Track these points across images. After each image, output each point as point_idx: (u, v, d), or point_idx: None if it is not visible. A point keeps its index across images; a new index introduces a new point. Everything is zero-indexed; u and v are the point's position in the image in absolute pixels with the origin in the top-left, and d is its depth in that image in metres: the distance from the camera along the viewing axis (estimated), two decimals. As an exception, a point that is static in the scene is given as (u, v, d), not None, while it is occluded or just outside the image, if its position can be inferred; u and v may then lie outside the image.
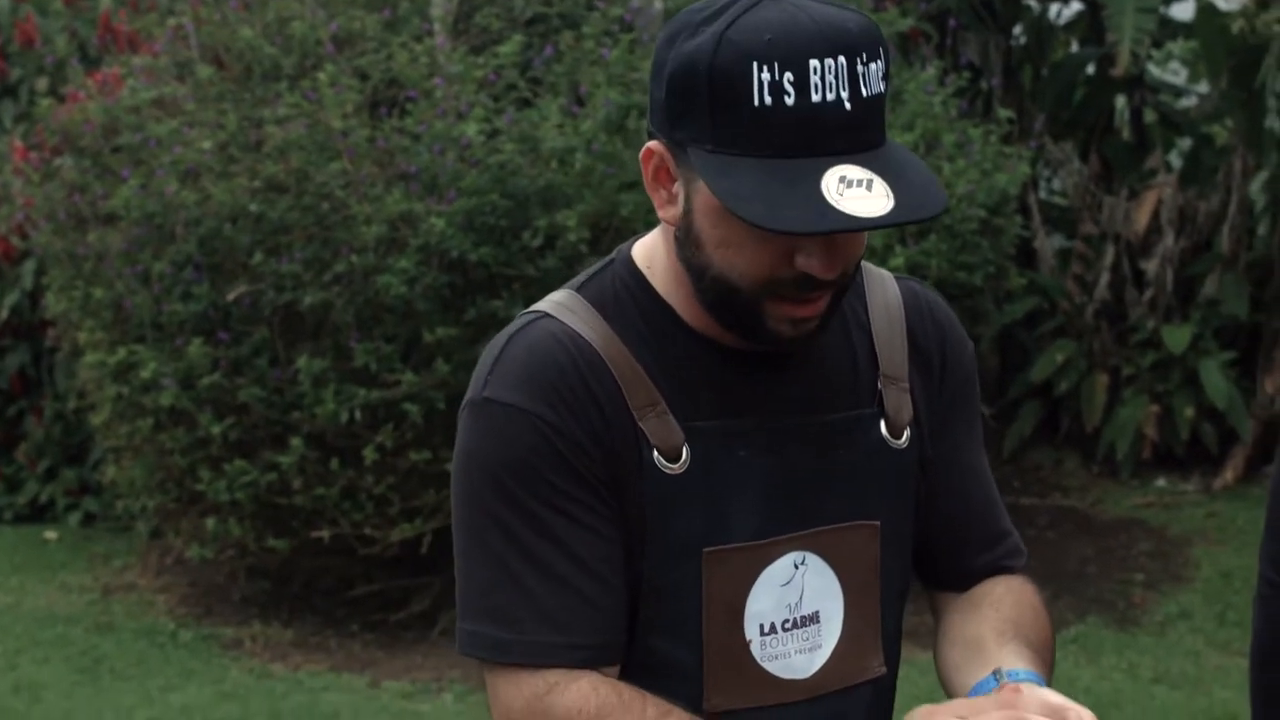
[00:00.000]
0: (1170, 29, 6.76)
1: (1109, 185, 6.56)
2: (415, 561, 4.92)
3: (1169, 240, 6.30)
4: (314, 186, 4.89)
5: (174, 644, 5.15)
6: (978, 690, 1.32)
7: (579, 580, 1.30)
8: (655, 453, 1.31)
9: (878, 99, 1.26)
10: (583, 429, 1.31)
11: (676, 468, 1.32)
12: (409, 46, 5.16)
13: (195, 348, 4.84)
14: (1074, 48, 7.10)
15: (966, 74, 5.93)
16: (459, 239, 4.69)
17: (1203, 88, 7.01)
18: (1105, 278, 6.32)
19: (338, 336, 4.83)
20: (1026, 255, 6.43)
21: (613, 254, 1.43)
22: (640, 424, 1.32)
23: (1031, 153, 6.02)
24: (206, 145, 5.05)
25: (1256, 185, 6.47)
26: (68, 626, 5.33)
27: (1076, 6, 6.98)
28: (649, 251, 1.40)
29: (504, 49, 5.06)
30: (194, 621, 5.32)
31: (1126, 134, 6.95)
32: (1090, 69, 6.82)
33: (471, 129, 4.83)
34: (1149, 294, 6.31)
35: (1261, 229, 6.52)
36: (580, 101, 5.05)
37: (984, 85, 6.44)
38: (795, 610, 1.35)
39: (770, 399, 1.36)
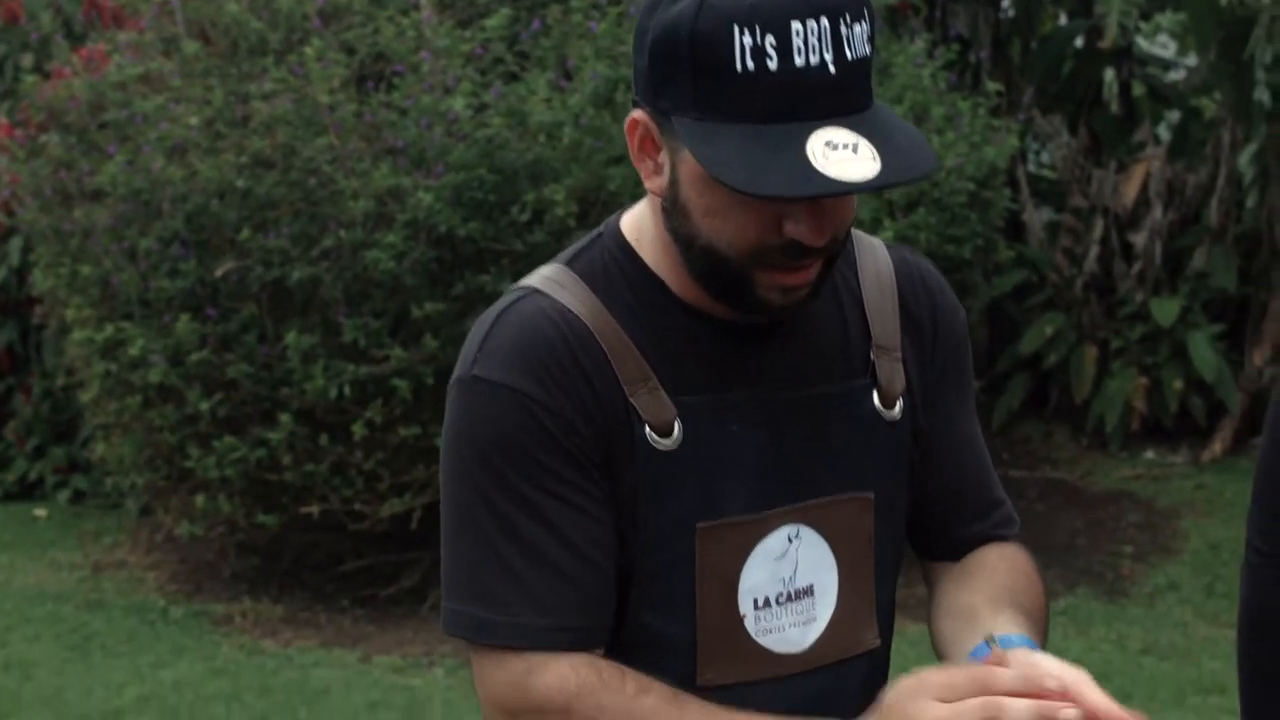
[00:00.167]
0: (1158, 1, 6.75)
1: (1097, 158, 6.56)
2: (405, 537, 4.92)
3: (1157, 213, 6.30)
4: (301, 162, 4.88)
5: (164, 621, 5.15)
6: (973, 658, 1.32)
7: (566, 561, 1.29)
8: (647, 428, 1.30)
9: (863, 62, 1.25)
10: (573, 407, 1.29)
11: (668, 443, 1.31)
12: (395, 20, 5.13)
13: (183, 324, 4.83)
14: (1062, 20, 7.09)
15: (955, 47, 5.92)
16: (447, 214, 4.68)
17: (1191, 60, 7.00)
18: (1094, 250, 6.32)
19: (326, 312, 4.82)
20: (1015, 228, 6.43)
21: (601, 227, 1.41)
22: (631, 400, 1.30)
23: (1020, 125, 6.01)
24: (193, 121, 5.03)
25: (1245, 158, 6.47)
26: (58, 604, 5.33)
27: (1065, -21, 6.97)
28: (637, 223, 1.38)
29: (491, 22, 5.04)
30: (184, 598, 5.32)
31: (1115, 107, 6.94)
32: (1079, 42, 6.81)
33: (459, 103, 4.82)
34: (1137, 267, 6.31)
35: (1250, 201, 6.52)
36: (568, 75, 5.04)
37: (972, 58, 6.43)
38: (789, 584, 1.35)
39: (762, 371, 1.35)
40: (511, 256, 4.69)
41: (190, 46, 5.25)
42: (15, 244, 6.22)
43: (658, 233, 1.35)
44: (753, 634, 1.34)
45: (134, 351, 4.88)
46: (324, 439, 4.80)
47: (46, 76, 5.86)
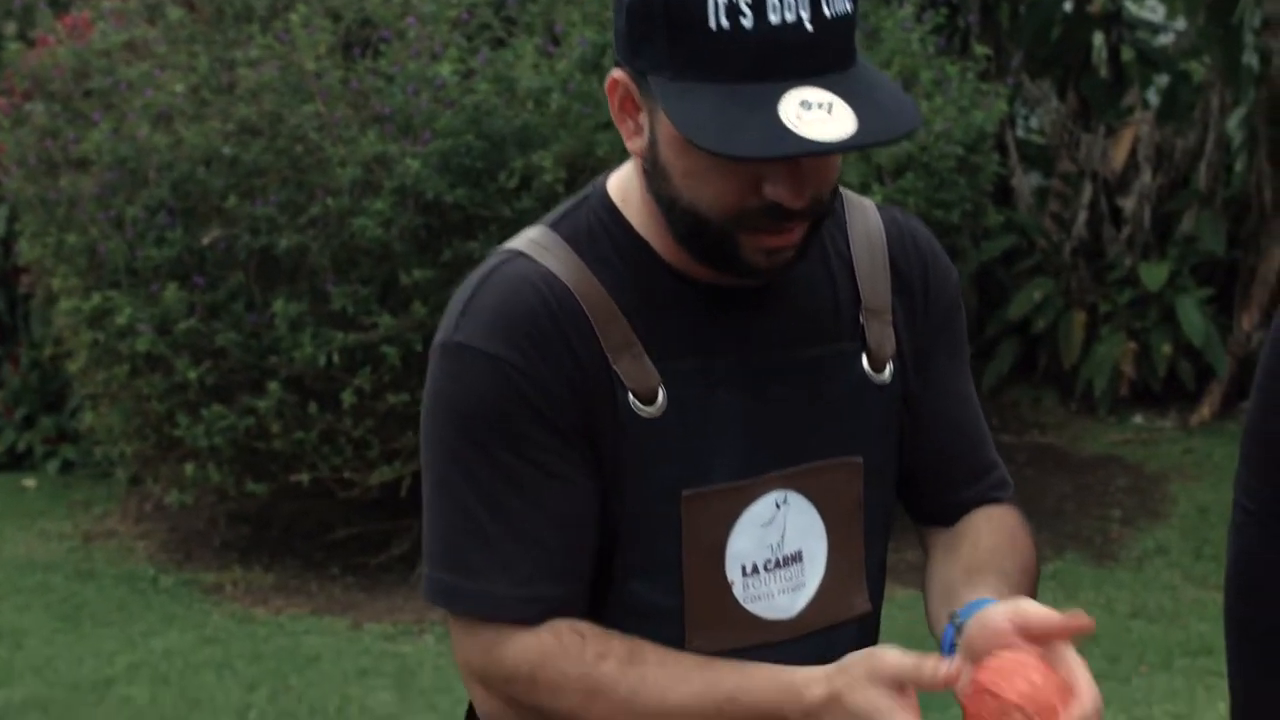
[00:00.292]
0: (1147, -35, 6.74)
1: (1086, 122, 6.55)
2: (395, 504, 4.92)
3: (1146, 177, 6.30)
4: (288, 129, 4.85)
5: (155, 590, 5.15)
6: (944, 641, 1.32)
7: (542, 530, 1.28)
8: (630, 396, 1.29)
9: (844, 19, 1.23)
10: (555, 375, 1.28)
11: (652, 411, 1.29)
12: (381, -14, 5.11)
13: (170, 293, 4.81)
14: (1051, -16, 7.06)
15: (944, 10, 5.90)
16: (434, 180, 4.66)
17: (1180, 24, 6.99)
18: (1083, 215, 6.32)
19: (314, 280, 4.80)
20: (1004, 193, 6.42)
21: (588, 188, 1.40)
22: (614, 366, 1.29)
23: (1009, 90, 6.00)
24: (178, 88, 5.01)
25: (1234, 121, 6.46)
26: (48, 574, 5.32)
27: (1054, -58, 6.94)
28: (624, 185, 1.36)
29: (478, -12, 5.02)
30: (174, 567, 5.32)
31: (1104, 71, 6.93)
32: (1067, 6, 6.79)
33: (446, 69, 4.79)
34: (1126, 231, 6.31)
35: (1239, 165, 6.52)
36: (555, 40, 5.02)
37: (961, 22, 6.41)
38: (778, 550, 1.34)
39: (748, 336, 1.33)
40: (500, 223, 4.68)
41: (175, 13, 5.22)
42: (1, 213, 6.19)
43: (643, 195, 1.33)
44: (741, 601, 1.33)
45: (121, 320, 4.86)
46: (313, 407, 4.80)
47: (30, 44, 5.82)
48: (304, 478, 4.90)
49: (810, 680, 1.22)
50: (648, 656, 1.26)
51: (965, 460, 1.45)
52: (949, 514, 1.45)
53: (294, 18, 4.95)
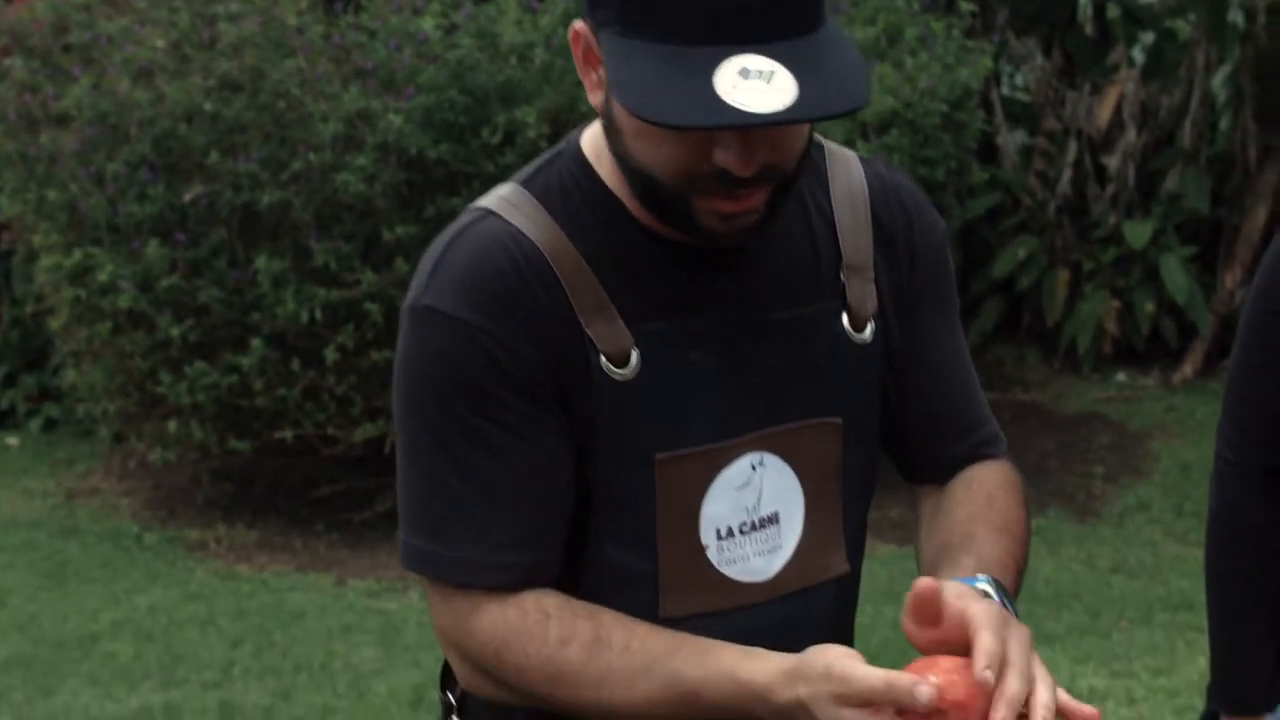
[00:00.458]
0: (1134, -79, 6.71)
1: (1071, 80, 6.53)
2: (378, 461, 4.92)
3: (1131, 135, 6.29)
4: (269, 84, 4.82)
5: (139, 547, 5.15)
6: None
7: (515, 495, 1.26)
8: (603, 358, 1.27)
9: None
10: (525, 339, 1.25)
11: (625, 373, 1.27)
12: (363, -60, 5.07)
13: (153, 249, 4.79)
14: (1037, -59, 7.04)
15: (929, -33, 5.87)
16: (417, 136, 4.64)
17: (1166, -19, 6.97)
18: (1067, 173, 6.31)
19: (296, 236, 4.78)
20: (989, 151, 6.41)
21: (563, 143, 1.36)
22: (587, 329, 1.27)
23: (994, 47, 5.98)
24: (159, 43, 4.97)
25: (1219, 80, 6.45)
26: (32, 531, 5.32)
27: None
28: (597, 141, 1.32)
29: (460, -58, 4.98)
30: (158, 524, 5.32)
31: (1089, 29, 6.91)
32: (1053, -37, 6.77)
33: (428, 24, 4.76)
34: (1111, 189, 6.31)
35: (1223, 124, 6.51)
36: (539, -4, 4.99)
37: (947, -21, 6.39)
38: (753, 513, 1.31)
39: (724, 296, 1.31)
40: (483, 179, 4.66)
41: (155, -33, 5.18)
42: (-19, 170, 6.14)
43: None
44: (716, 564, 1.31)
45: (103, 277, 4.84)
46: (296, 364, 4.78)
47: (9, 0, 5.77)
48: (287, 435, 4.89)
49: (774, 684, 1.18)
50: (613, 642, 1.23)
51: (954, 416, 1.41)
52: (940, 472, 1.42)
53: (275, -28, 4.92)
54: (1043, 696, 1.12)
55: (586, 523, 1.29)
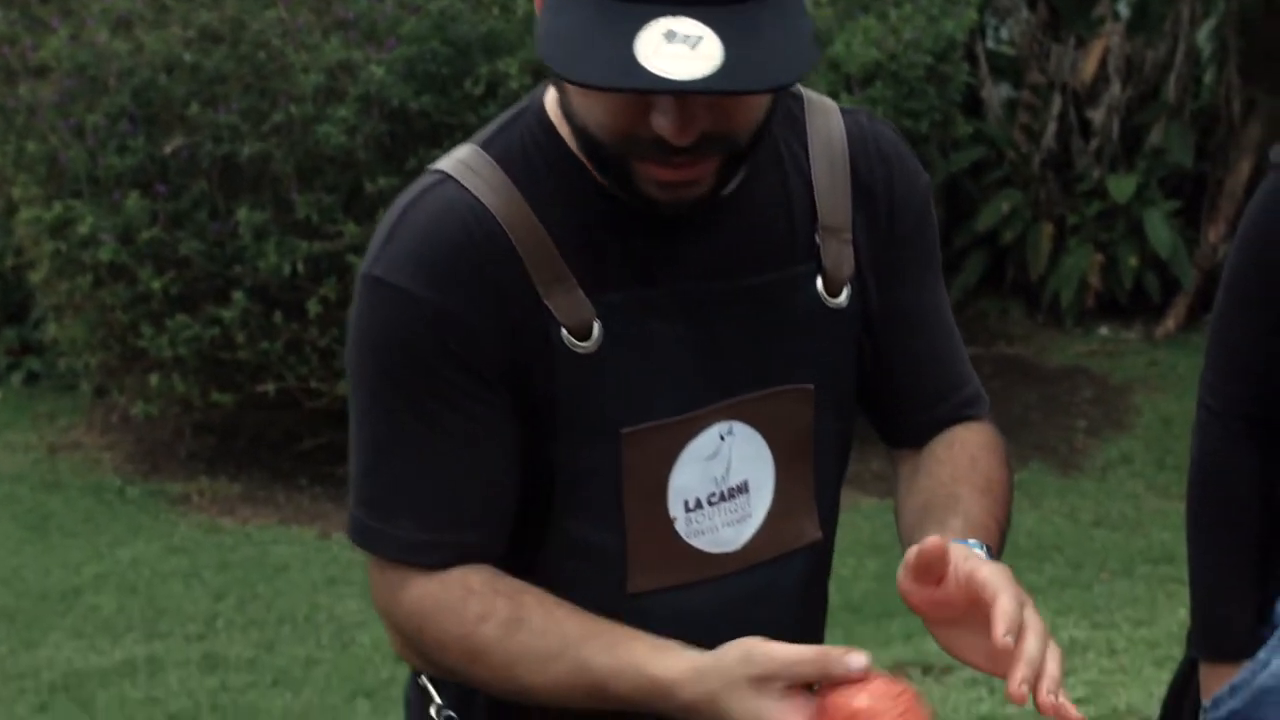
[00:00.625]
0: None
1: (1056, 34, 6.51)
2: (362, 415, 4.91)
3: (1116, 89, 6.28)
4: (250, 35, 4.78)
5: (121, 500, 5.14)
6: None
7: (457, 474, 1.23)
8: (564, 331, 1.22)
9: None
10: (476, 314, 1.21)
11: (587, 346, 1.22)
12: (345, -111, 5.02)
13: (133, 201, 4.76)
14: (1023, -107, 7.00)
15: (915, -82, 5.83)
16: (399, 87, 4.61)
17: (1152, -66, 6.93)
18: (1052, 127, 6.30)
19: (278, 188, 4.76)
20: (973, 104, 6.39)
21: (525, 100, 1.30)
22: (546, 301, 1.22)
23: None
24: (138, -7, 4.93)
25: (1204, 33, 6.44)
26: (14, 485, 5.31)
27: None
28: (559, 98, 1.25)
29: (443, -109, 4.94)
30: (141, 478, 5.31)
31: (1075, -19, 6.88)
32: (1039, -86, 6.73)
33: (410, -26, 4.73)
34: (1095, 143, 6.30)
35: (1208, 78, 6.50)
36: (521, -54, 4.95)
37: (932, -69, 6.35)
38: (722, 483, 1.28)
39: (691, 262, 1.25)
40: (465, 130, 4.63)
41: (133, -84, 5.12)
42: (-41, 122, 6.10)
43: None
44: (684, 536, 1.27)
45: (83, 230, 4.81)
46: (278, 316, 4.77)
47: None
48: (270, 388, 4.88)
49: (682, 679, 1.14)
50: (530, 623, 1.21)
51: (936, 379, 1.37)
52: (921, 435, 1.38)
53: (255, -79, 4.87)
54: (1051, 669, 1.10)
55: (550, 499, 1.26)
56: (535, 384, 1.23)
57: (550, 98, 1.27)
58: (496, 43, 4.70)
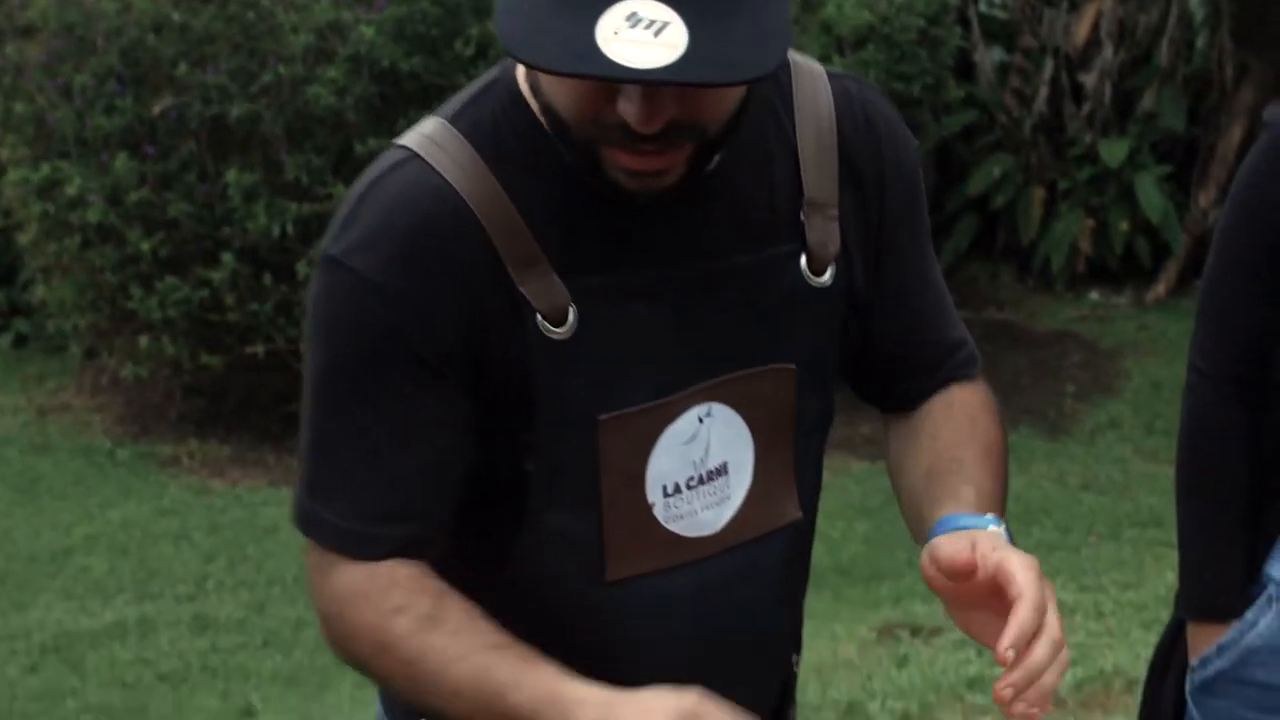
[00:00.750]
0: None
1: (1049, -3, 6.49)
2: (352, 377, 4.91)
3: (1108, 53, 6.26)
4: (239, -5, 4.76)
5: (111, 463, 5.14)
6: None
7: (401, 467, 1.19)
8: (538, 317, 1.17)
9: None
10: (440, 303, 1.16)
11: (562, 332, 1.17)
12: None
13: (121, 162, 4.74)
14: None
15: (908, -120, 5.80)
16: (389, 48, 4.58)
17: (1146, -103, 6.90)
18: (1043, 91, 6.29)
19: (267, 149, 4.74)
20: (965, 68, 6.38)
21: (496, 70, 1.24)
22: (519, 287, 1.17)
23: (972, -38, 5.94)
24: (126, -48, 4.89)
25: (1196, -3, 6.43)
26: (3, 447, 5.31)
27: None
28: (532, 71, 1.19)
29: None
30: (131, 440, 5.30)
31: (1068, -55, 6.86)
32: (1033, -123, 6.70)
33: (400, -66, 4.70)
34: (1087, 108, 6.29)
35: (1200, 42, 6.49)
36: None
37: (925, -107, 6.32)
38: (701, 466, 1.24)
39: (669, 243, 1.20)
40: (456, 91, 4.61)
41: (121, -126, 5.08)
42: (-54, 82, 6.06)
43: None
44: (662, 521, 1.24)
45: (72, 191, 4.79)
46: (267, 278, 4.76)
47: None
48: (259, 350, 4.87)
49: (589, 699, 1.10)
50: (446, 623, 1.17)
51: (929, 347, 1.34)
52: (916, 399, 1.35)
53: (244, -121, 4.84)
54: (1046, 681, 1.10)
55: (525, 487, 1.22)
56: (508, 372, 1.19)
57: (523, 70, 1.21)
58: (487, 3, 4.67)
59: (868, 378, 1.35)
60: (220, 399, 5.38)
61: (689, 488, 1.24)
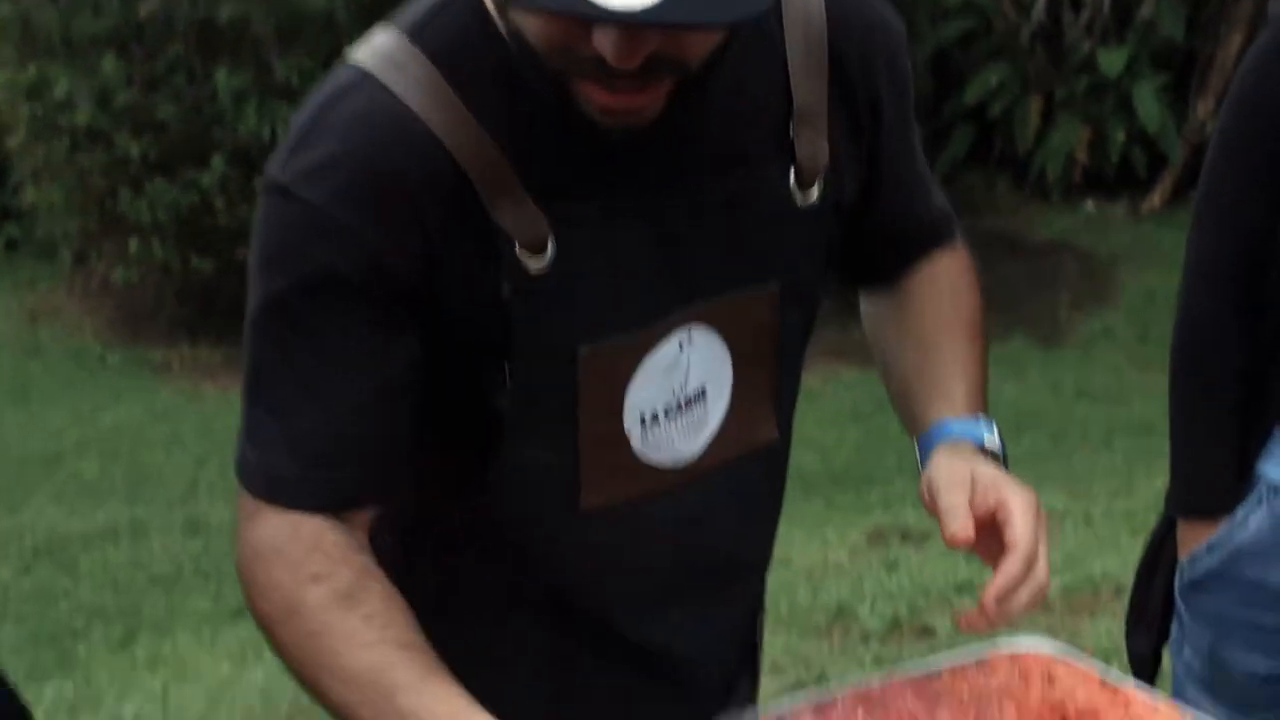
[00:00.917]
0: None
1: (1050, -98, 6.41)
2: (344, 283, 4.89)
3: (1108, -41, 6.20)
4: (227, -108, 4.69)
5: (103, 367, 5.13)
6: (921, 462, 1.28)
7: (341, 409, 1.11)
8: (515, 248, 1.10)
9: None
10: (396, 238, 1.08)
11: (541, 264, 1.11)
12: None
13: (109, 64, 4.69)
14: None
15: None
16: (380, -52, 4.52)
17: None
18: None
19: (257, 50, 4.69)
20: (964, -26, 6.31)
21: None
22: (494, 217, 1.09)
23: None
24: None
25: (1199, -98, 6.35)
26: (-6, 351, 5.30)
27: None
28: None
29: None
30: (122, 344, 5.29)
31: None
32: None
33: None
34: (1085, 16, 6.23)
35: (1201, -52, 6.42)
36: None
37: None
38: (680, 393, 1.20)
39: (651, 168, 1.14)
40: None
41: None
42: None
43: None
44: (638, 452, 1.20)
45: (59, 93, 4.74)
46: (258, 181, 4.72)
47: None
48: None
49: None
50: (362, 604, 1.09)
51: (912, 221, 1.32)
52: (896, 275, 1.34)
53: None
54: (1022, 597, 1.14)
55: (498, 424, 1.16)
56: (481, 308, 1.12)
57: None
58: (479, -98, 4.60)
59: (850, 263, 1.32)
60: (211, 303, 5.36)
61: (667, 416, 1.20)
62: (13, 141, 5.24)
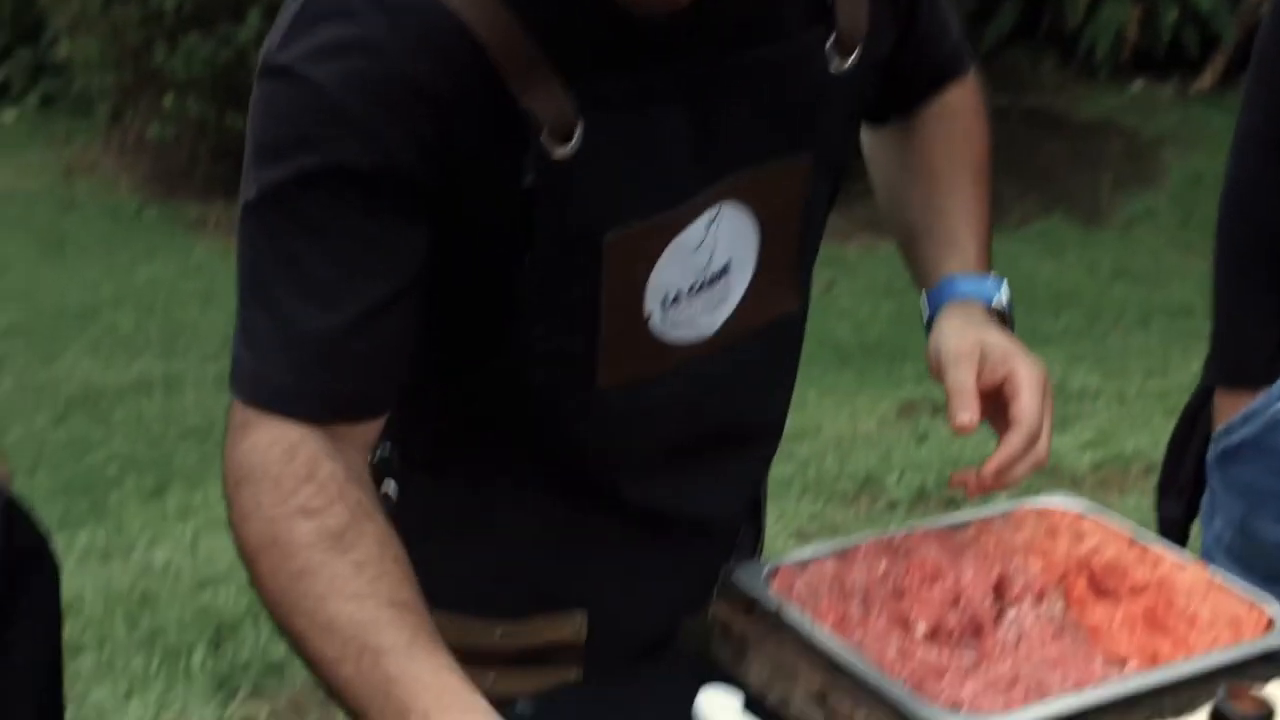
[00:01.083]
0: None
1: None
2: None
3: None
4: None
5: (138, 222, 5.14)
6: (926, 319, 1.27)
7: (350, 315, 1.04)
8: (543, 133, 1.04)
9: None
10: (408, 129, 1.02)
11: (567, 150, 1.05)
12: None
13: (145, -86, 4.62)
14: None
15: None
16: None
17: None
18: None
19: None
20: None
21: None
22: (521, 101, 1.03)
23: None
24: None
25: None
26: (30, 205, 5.30)
27: None
28: None
29: None
30: (157, 200, 5.29)
31: None
32: None
33: None
34: (1143, -113, 6.07)
35: None
36: None
37: None
38: (704, 272, 1.16)
39: (684, 40, 1.08)
40: None
41: None
42: None
43: None
44: (657, 332, 1.16)
45: (93, -57, 4.69)
46: (295, 38, 4.67)
47: None
48: (286, 112, 4.81)
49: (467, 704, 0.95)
50: (354, 548, 1.01)
51: (929, 66, 1.30)
52: (911, 107, 1.31)
53: None
54: (1020, 470, 1.16)
55: (516, 311, 1.12)
56: (503, 198, 1.07)
57: None
58: None
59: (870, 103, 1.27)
60: (247, 162, 5.35)
61: (689, 294, 1.17)
62: (48, -7, 5.20)
